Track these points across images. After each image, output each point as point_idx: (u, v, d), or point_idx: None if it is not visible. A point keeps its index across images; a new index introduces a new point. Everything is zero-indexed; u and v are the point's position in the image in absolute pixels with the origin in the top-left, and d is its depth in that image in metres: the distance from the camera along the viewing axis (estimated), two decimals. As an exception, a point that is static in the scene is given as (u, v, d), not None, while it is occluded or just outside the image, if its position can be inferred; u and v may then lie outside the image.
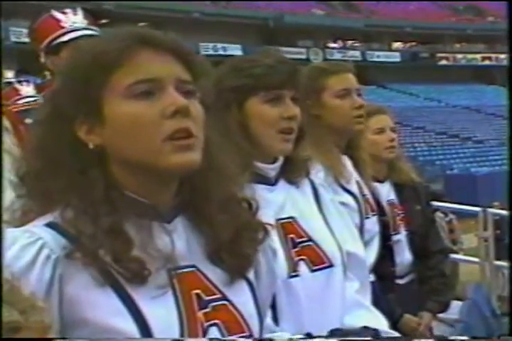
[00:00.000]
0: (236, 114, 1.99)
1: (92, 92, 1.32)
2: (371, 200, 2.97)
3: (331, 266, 2.00)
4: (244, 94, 1.99)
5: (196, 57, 1.41)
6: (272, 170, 2.02)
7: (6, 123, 3.04)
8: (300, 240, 1.99)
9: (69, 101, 1.34)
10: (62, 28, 3.11)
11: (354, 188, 2.80)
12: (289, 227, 1.98)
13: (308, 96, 2.68)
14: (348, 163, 2.82)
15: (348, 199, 2.74)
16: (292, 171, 2.06)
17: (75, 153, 1.34)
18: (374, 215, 2.98)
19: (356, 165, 2.88)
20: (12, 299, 0.98)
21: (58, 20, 3.15)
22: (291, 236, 1.98)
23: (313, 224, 2.03)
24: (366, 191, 2.93)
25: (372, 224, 2.95)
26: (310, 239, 2.00)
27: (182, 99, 1.32)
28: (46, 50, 3.12)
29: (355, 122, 2.76)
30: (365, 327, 1.92)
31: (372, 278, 2.86)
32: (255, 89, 1.98)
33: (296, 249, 1.97)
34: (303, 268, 1.97)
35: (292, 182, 2.07)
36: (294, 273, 1.94)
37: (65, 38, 3.08)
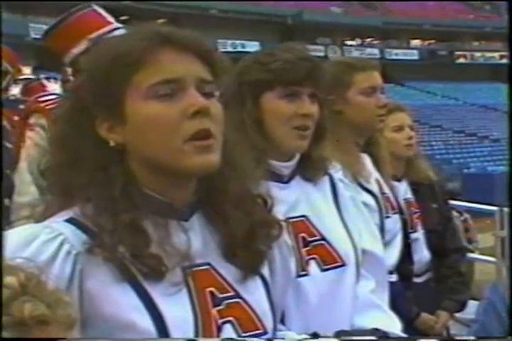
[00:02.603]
0: (252, 108, 1.97)
1: (114, 91, 1.33)
2: (392, 199, 2.95)
3: (343, 265, 1.97)
4: (261, 88, 1.97)
5: (217, 55, 1.41)
6: (285, 168, 2.00)
7: (43, 121, 3.03)
8: (312, 239, 1.97)
9: (90, 97, 1.35)
10: (110, 23, 3.02)
11: (374, 187, 2.76)
12: (299, 226, 1.95)
13: (331, 91, 2.64)
14: (367, 161, 2.79)
15: (368, 198, 2.70)
16: (309, 169, 2.04)
17: (95, 150, 1.35)
18: (395, 214, 2.95)
19: (376, 163, 2.85)
20: (38, 293, 0.99)
21: (103, 16, 3.05)
22: (302, 235, 1.96)
23: (327, 223, 2.01)
24: (386, 189, 2.90)
25: (394, 223, 2.92)
26: (323, 238, 1.98)
27: (203, 99, 1.32)
28: (90, 45, 2.94)
29: (378, 121, 2.74)
30: (376, 330, 1.90)
31: (395, 278, 2.84)
32: (272, 84, 1.95)
33: (307, 248, 1.95)
34: (313, 267, 1.95)
35: (309, 179, 2.04)
36: (303, 273, 1.92)
37: (118, 33, 2.89)
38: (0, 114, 2.96)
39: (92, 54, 1.42)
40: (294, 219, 1.94)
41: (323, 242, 1.98)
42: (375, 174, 2.83)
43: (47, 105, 3.10)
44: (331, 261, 1.97)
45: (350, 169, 2.62)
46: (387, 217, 2.85)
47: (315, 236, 1.98)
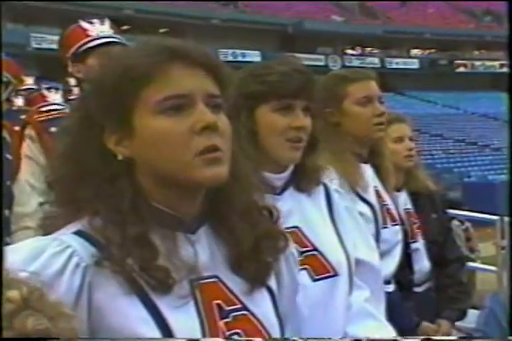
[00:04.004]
0: (246, 120, 1.99)
1: (122, 105, 1.33)
2: (393, 210, 2.94)
3: (335, 275, 1.99)
4: (255, 101, 1.99)
5: (225, 69, 1.41)
6: (278, 179, 2.02)
7: (31, 132, 3.09)
8: (304, 250, 1.98)
9: (98, 110, 1.35)
10: (89, 36, 3.16)
11: (371, 197, 2.77)
12: (291, 237, 1.95)
13: (328, 104, 2.67)
14: (367, 171, 2.80)
15: (364, 208, 2.70)
16: (302, 180, 2.05)
17: (103, 162, 1.35)
18: (394, 225, 2.94)
19: (379, 174, 2.86)
20: (41, 307, 1.00)
21: (85, 30, 3.19)
22: (294, 245, 1.96)
23: (320, 233, 2.02)
24: (388, 200, 2.90)
25: (392, 234, 2.91)
26: (314, 249, 2.00)
27: (211, 115, 1.32)
28: (73, 58, 3.16)
29: (376, 129, 2.75)
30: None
31: (392, 287, 2.84)
32: (267, 96, 1.98)
33: (299, 259, 1.93)
34: (304, 277, 1.95)
35: (302, 190, 2.06)
36: None
37: (91, 44, 3.12)
38: (0, 125, 3.00)
39: (101, 67, 1.42)
40: (286, 230, 1.93)
41: (315, 253, 1.99)
42: (374, 184, 2.83)
43: (39, 117, 3.16)
44: (322, 271, 1.99)
45: (347, 179, 2.63)
46: (385, 227, 2.84)
47: (307, 246, 1.99)
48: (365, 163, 2.81)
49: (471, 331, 4.22)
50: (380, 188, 2.87)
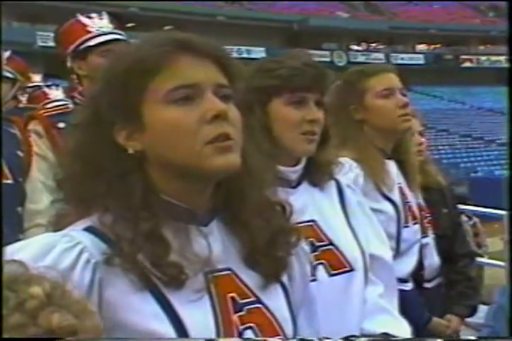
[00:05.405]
0: (259, 115, 1.99)
1: (131, 98, 1.33)
2: (414, 208, 2.91)
3: (351, 270, 1.99)
4: (268, 95, 1.99)
5: (233, 61, 1.42)
6: (293, 172, 2.02)
7: (38, 127, 3.08)
8: (320, 244, 1.98)
9: (108, 106, 1.35)
10: (89, 32, 3.14)
11: (395, 196, 2.74)
12: (308, 231, 1.95)
13: (350, 101, 2.66)
14: (393, 169, 2.78)
15: (388, 207, 2.69)
16: (315, 174, 2.05)
17: (114, 158, 1.35)
18: (415, 224, 2.91)
19: (404, 170, 2.84)
20: (64, 303, 0.98)
21: (84, 25, 3.17)
22: (311, 239, 1.96)
23: (335, 228, 2.02)
24: (410, 198, 2.88)
25: (413, 233, 2.88)
26: (331, 243, 1.99)
27: (221, 103, 1.33)
28: (73, 55, 3.14)
29: (401, 121, 2.73)
30: (385, 334, 1.91)
31: (410, 286, 2.83)
32: (280, 90, 1.98)
33: (315, 253, 1.95)
34: (321, 272, 1.96)
35: (316, 184, 2.06)
36: (311, 278, 1.91)
37: (92, 43, 3.11)
38: None
39: (109, 61, 1.43)
40: (303, 224, 1.91)
41: (331, 247, 2.00)
42: (398, 181, 2.81)
43: (46, 112, 3.15)
44: (338, 266, 1.98)
45: (373, 177, 2.62)
46: (406, 226, 2.82)
47: (323, 241, 1.99)
48: (389, 158, 2.80)
49: (480, 326, 4.21)
50: (403, 185, 2.85)
